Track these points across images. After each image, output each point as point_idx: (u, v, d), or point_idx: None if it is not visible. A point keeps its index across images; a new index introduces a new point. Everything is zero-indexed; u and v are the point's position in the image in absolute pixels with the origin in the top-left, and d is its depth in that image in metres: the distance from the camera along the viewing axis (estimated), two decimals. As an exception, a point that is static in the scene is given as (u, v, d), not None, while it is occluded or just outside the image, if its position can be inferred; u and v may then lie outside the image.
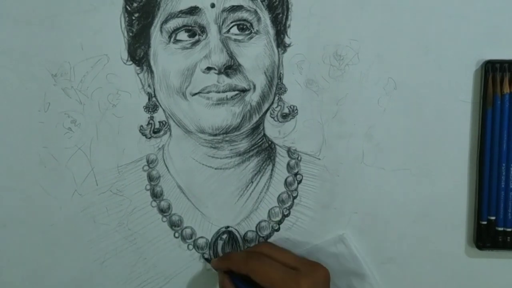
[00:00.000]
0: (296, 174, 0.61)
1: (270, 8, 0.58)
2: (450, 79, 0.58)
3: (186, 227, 0.61)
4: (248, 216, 0.61)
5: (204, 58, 0.57)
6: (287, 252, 0.58)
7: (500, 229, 0.59)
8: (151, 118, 0.60)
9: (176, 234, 0.61)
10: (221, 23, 0.57)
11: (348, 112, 0.59)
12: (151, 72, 0.59)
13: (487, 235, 0.59)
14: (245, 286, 0.56)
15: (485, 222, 0.59)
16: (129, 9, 0.58)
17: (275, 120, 0.60)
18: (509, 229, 0.59)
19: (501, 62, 0.57)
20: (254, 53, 0.58)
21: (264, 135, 0.60)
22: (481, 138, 0.58)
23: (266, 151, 0.61)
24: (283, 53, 0.59)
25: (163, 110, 0.59)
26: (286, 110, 0.60)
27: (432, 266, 0.61)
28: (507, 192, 0.58)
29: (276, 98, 0.59)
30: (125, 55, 0.58)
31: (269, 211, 0.61)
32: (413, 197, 0.60)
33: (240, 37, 0.58)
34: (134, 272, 0.61)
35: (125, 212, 0.60)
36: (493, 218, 0.59)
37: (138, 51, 0.58)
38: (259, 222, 0.61)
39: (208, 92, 0.58)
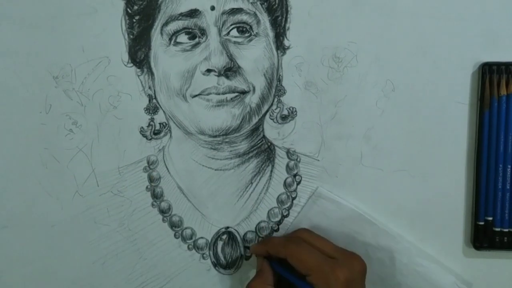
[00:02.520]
0: (295, 175, 0.61)
1: (270, 10, 0.58)
2: (447, 81, 0.59)
3: (186, 228, 0.61)
4: (248, 217, 0.61)
5: (204, 60, 0.58)
6: (325, 240, 0.57)
7: (497, 229, 0.59)
8: (152, 119, 0.60)
9: (176, 235, 0.61)
10: (221, 26, 0.58)
11: (347, 113, 0.60)
12: (152, 74, 0.59)
13: (484, 236, 0.59)
14: (282, 270, 0.56)
15: (482, 223, 0.59)
16: (129, 11, 0.58)
17: (275, 122, 0.60)
18: (506, 230, 0.59)
19: (498, 65, 0.58)
20: (253, 56, 0.58)
21: (264, 136, 0.61)
22: (478, 140, 0.59)
23: (265, 152, 0.61)
24: (282, 55, 0.59)
25: (164, 111, 0.60)
26: (285, 112, 0.60)
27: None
28: (504, 193, 0.59)
29: (276, 100, 0.60)
30: (125, 57, 0.59)
31: (268, 211, 0.61)
32: (411, 198, 0.60)
33: (239, 40, 0.58)
34: (135, 272, 0.61)
35: (125, 213, 0.61)
36: (490, 218, 0.59)
37: (139, 54, 0.59)
38: (259, 223, 0.61)
39: (208, 94, 0.58)
